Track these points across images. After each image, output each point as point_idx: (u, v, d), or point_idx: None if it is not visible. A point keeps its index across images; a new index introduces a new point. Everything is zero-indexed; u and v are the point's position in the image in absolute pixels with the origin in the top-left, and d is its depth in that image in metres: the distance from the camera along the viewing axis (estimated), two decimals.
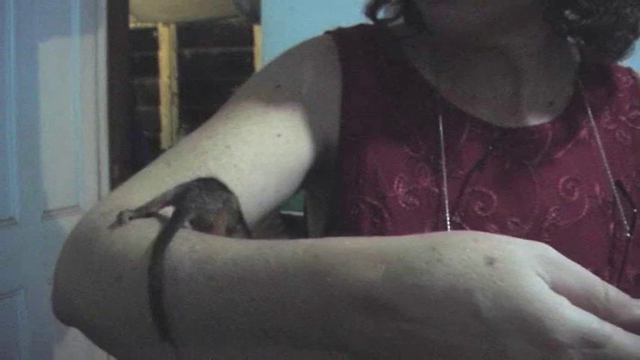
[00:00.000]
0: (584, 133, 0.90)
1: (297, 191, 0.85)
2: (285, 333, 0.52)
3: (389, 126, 0.86)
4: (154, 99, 5.98)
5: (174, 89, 5.98)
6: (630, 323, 0.46)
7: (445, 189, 0.83)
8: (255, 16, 3.05)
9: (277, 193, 0.81)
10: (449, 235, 0.50)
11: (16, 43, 2.89)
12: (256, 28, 5.12)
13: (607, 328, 0.45)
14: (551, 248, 0.48)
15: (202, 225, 0.64)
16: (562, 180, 0.87)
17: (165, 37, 5.97)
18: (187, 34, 5.92)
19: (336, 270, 0.50)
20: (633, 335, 0.45)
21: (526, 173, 0.87)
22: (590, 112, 0.92)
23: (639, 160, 0.92)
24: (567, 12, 0.83)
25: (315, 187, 0.89)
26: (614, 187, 0.88)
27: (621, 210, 0.87)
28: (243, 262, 0.55)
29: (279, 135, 0.81)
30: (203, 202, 0.64)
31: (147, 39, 5.91)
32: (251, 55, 5.41)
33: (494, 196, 0.85)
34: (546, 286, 0.45)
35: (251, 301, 0.53)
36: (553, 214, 0.85)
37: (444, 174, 0.84)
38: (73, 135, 3.29)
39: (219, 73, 5.65)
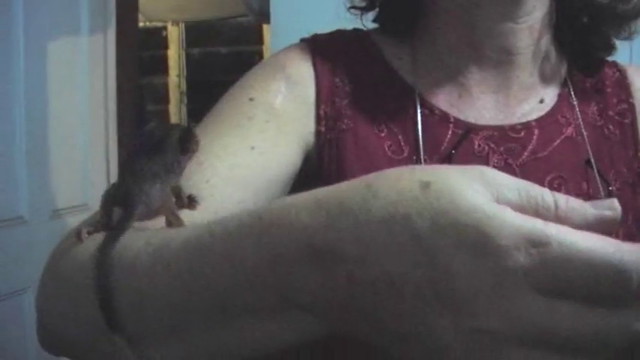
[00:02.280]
0: (570, 130, 0.90)
1: None
2: (242, 304, 0.52)
3: (370, 129, 0.86)
4: (162, 98, 5.98)
5: (183, 88, 5.98)
6: (584, 226, 0.44)
7: None
8: (264, 16, 3.04)
9: (256, 205, 0.81)
10: (384, 171, 0.48)
11: (25, 42, 2.89)
12: (265, 28, 5.12)
13: (551, 226, 0.42)
14: (490, 169, 0.46)
15: (150, 214, 0.66)
16: (548, 178, 0.87)
17: (174, 36, 5.97)
18: (196, 33, 5.92)
19: (278, 224, 0.49)
20: (580, 231, 0.42)
21: (511, 172, 0.86)
22: (577, 109, 0.91)
23: (629, 155, 0.91)
24: None
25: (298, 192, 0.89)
26: (599, 185, 0.87)
27: None
28: (194, 242, 0.54)
29: (252, 148, 0.81)
30: (142, 192, 0.64)
31: (155, 38, 5.90)
32: (260, 54, 5.42)
33: None
34: (485, 198, 0.43)
35: (206, 280, 0.52)
36: None
37: None
38: (81, 134, 3.29)
39: (227, 72, 5.65)
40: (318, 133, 0.87)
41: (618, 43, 0.94)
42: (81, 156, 3.29)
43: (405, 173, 0.46)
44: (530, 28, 0.87)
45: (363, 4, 0.96)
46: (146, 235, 0.60)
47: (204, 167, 0.78)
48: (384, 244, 0.44)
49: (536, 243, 0.41)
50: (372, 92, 0.89)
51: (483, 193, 0.43)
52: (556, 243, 0.41)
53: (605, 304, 0.41)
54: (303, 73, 0.89)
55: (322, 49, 0.91)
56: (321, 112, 0.87)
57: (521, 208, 0.43)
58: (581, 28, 0.91)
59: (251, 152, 0.81)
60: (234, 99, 0.87)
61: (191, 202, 0.72)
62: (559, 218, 0.44)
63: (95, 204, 2.96)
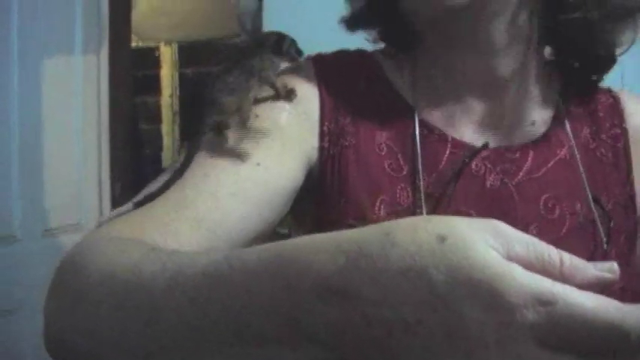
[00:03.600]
0: (564, 152, 0.91)
1: (281, 216, 0.86)
2: (256, 332, 0.53)
3: (371, 147, 0.88)
4: (155, 117, 5.98)
5: (176, 108, 5.99)
6: (585, 284, 0.47)
7: (424, 210, 0.84)
8: (257, 36, 3.06)
9: (258, 220, 0.82)
10: (401, 220, 0.51)
11: (19, 61, 2.91)
12: None
13: (558, 286, 0.45)
14: (502, 223, 0.49)
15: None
16: (543, 197, 0.88)
17: (167, 56, 5.98)
18: (189, 53, 5.93)
19: (298, 265, 0.52)
20: (585, 292, 0.46)
21: (507, 192, 0.88)
22: (570, 131, 0.93)
23: (621, 178, 0.93)
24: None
25: (299, 208, 0.90)
26: (592, 205, 0.89)
27: (600, 227, 0.88)
28: (212, 271, 0.56)
29: (258, 164, 0.83)
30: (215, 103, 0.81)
31: (149, 58, 5.91)
32: None
33: (475, 215, 0.86)
34: (498, 255, 0.46)
35: (222, 306, 0.54)
36: (534, 232, 0.86)
37: (422, 195, 0.85)
38: (74, 153, 3.30)
39: None
40: (321, 149, 0.88)
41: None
42: (74, 175, 3.29)
43: (421, 223, 0.49)
44: (514, 58, 0.89)
45: (358, 25, 0.98)
46: (162, 258, 0.62)
47: (210, 180, 0.80)
48: (401, 291, 0.47)
49: (544, 301, 0.44)
50: (374, 111, 0.90)
51: (496, 248, 0.47)
52: (562, 302, 0.45)
53: (605, 358, 0.45)
54: (307, 90, 0.90)
55: (326, 67, 0.92)
56: (325, 129, 0.88)
57: (529, 263, 0.47)
58: (572, 50, 0.93)
59: (256, 168, 0.82)
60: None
61: (288, 94, 0.87)
62: (563, 275, 0.47)
63: (88, 223, 2.96)
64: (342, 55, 0.96)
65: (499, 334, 0.45)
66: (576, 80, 0.98)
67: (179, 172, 0.76)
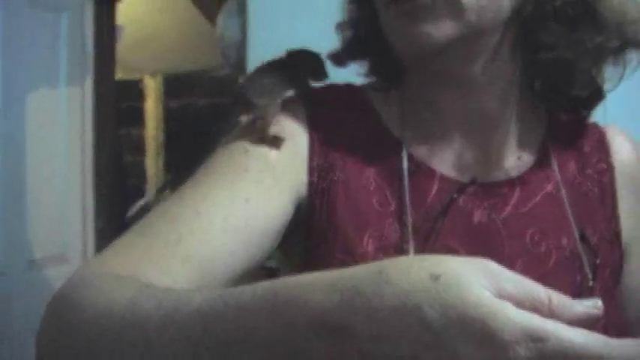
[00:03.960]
0: (550, 187, 0.92)
1: (270, 252, 0.86)
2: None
3: (358, 181, 0.88)
4: (140, 149, 5.98)
5: (161, 140, 5.99)
6: (574, 320, 0.49)
7: (411, 246, 0.84)
8: (241, 68, 3.07)
9: (247, 255, 0.83)
10: (395, 259, 0.53)
11: (3, 92, 2.92)
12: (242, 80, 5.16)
13: (549, 323, 0.47)
14: (492, 262, 0.50)
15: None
16: (529, 232, 0.89)
17: (152, 88, 5.99)
18: (174, 85, 5.94)
19: (293, 302, 0.53)
20: (574, 328, 0.48)
21: (494, 227, 0.88)
22: (556, 166, 0.94)
23: (607, 213, 0.94)
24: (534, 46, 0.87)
25: (288, 241, 0.90)
26: (577, 239, 0.89)
27: (585, 261, 0.89)
28: (207, 310, 0.58)
29: (247, 200, 0.83)
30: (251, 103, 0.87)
31: (133, 90, 5.92)
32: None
33: (462, 250, 0.87)
34: (489, 294, 0.48)
35: (218, 343, 0.56)
36: (521, 266, 0.87)
37: (410, 230, 0.85)
38: (58, 185, 3.29)
39: (205, 124, 5.67)
40: (310, 183, 0.88)
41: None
42: (58, 206, 3.28)
43: (415, 263, 0.51)
44: (498, 95, 0.90)
45: (346, 59, 0.98)
46: (157, 295, 0.63)
47: (202, 217, 0.80)
48: (397, 328, 0.48)
49: (536, 338, 0.47)
50: (363, 145, 0.91)
51: (487, 287, 0.48)
52: (554, 338, 0.47)
53: None
54: (296, 125, 0.90)
55: (316, 102, 0.92)
56: (314, 164, 0.88)
57: (519, 302, 0.49)
58: (553, 87, 0.94)
59: (245, 204, 0.83)
60: (231, 150, 0.89)
61: (275, 141, 0.88)
62: (552, 312, 0.49)
63: (72, 254, 2.95)
64: (331, 89, 0.96)
65: None
66: (560, 115, 0.98)
67: (171, 184, 0.78)
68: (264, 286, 0.57)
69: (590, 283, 0.88)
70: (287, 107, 0.91)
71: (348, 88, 0.97)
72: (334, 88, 0.96)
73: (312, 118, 0.91)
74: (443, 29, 0.82)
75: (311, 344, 0.51)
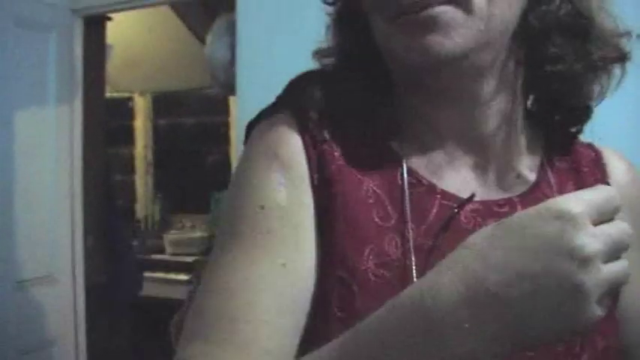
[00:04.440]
0: None
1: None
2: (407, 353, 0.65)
3: (357, 194, 0.86)
4: (129, 168, 5.97)
5: (150, 159, 5.98)
6: None
7: (413, 261, 0.84)
8: (229, 87, 3.07)
9: (298, 320, 0.82)
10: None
11: None
12: (231, 99, 5.15)
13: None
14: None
15: None
16: None
17: (141, 106, 5.99)
18: (163, 104, 5.95)
19: (426, 306, 0.65)
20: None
21: None
22: (555, 186, 0.94)
23: None
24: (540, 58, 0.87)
25: None
26: None
27: None
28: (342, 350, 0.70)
29: (284, 265, 0.82)
30: None
31: (123, 108, 5.92)
32: (226, 125, 5.43)
33: None
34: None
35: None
36: None
37: (411, 247, 0.84)
38: (47, 204, 3.28)
39: (194, 142, 5.67)
40: (315, 201, 0.86)
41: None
42: (46, 226, 3.27)
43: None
44: (499, 111, 0.89)
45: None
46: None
47: (254, 308, 0.80)
48: (519, 260, 0.63)
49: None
50: (360, 158, 0.89)
51: None
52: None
53: None
54: (293, 150, 0.87)
55: (307, 116, 0.90)
56: (315, 182, 0.87)
57: None
58: (554, 101, 0.94)
59: (283, 271, 0.82)
60: (244, 210, 0.86)
61: None
62: None
63: (61, 275, 2.94)
64: (325, 97, 0.94)
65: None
66: (557, 133, 0.98)
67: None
68: (379, 315, 0.69)
69: None
70: (281, 132, 0.89)
71: (343, 95, 0.95)
72: (329, 95, 0.94)
73: (306, 135, 0.89)
74: (455, 39, 0.81)
75: (453, 318, 0.63)
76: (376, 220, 0.85)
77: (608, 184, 0.96)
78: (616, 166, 0.99)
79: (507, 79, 0.89)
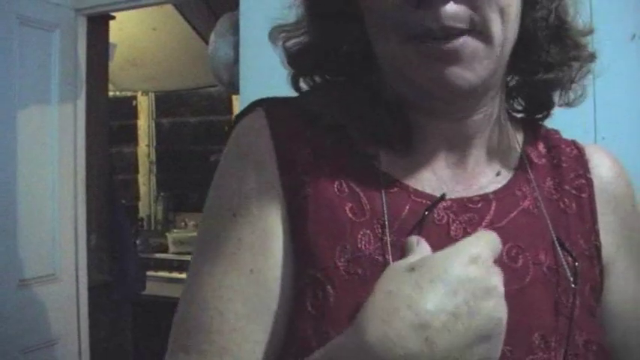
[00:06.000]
0: (527, 202, 0.92)
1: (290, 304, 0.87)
2: None
3: (330, 191, 0.86)
4: (132, 167, 5.99)
5: (153, 158, 5.99)
6: None
7: (390, 257, 0.84)
8: (232, 86, 3.07)
9: (281, 312, 0.83)
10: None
11: None
12: (234, 98, 5.16)
13: None
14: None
15: None
16: (506, 246, 0.88)
17: (144, 106, 6.01)
18: (166, 103, 5.96)
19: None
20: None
21: None
22: (534, 182, 0.94)
23: (585, 228, 0.94)
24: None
25: None
26: (559, 249, 0.89)
27: (567, 272, 0.88)
28: None
29: (252, 271, 0.83)
30: None
31: (126, 107, 5.93)
32: (229, 124, 5.43)
33: None
34: None
35: None
36: None
37: (389, 243, 0.84)
38: (50, 203, 3.29)
39: (197, 142, 5.68)
40: (286, 205, 0.87)
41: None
42: (49, 225, 3.28)
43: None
44: (484, 115, 0.90)
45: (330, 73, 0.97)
46: None
47: (225, 316, 0.82)
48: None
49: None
50: (333, 157, 0.89)
51: None
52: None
53: None
54: (264, 150, 0.87)
55: (279, 117, 0.90)
56: (285, 185, 0.87)
57: None
58: (536, 103, 0.95)
59: (251, 277, 0.82)
60: (218, 218, 0.88)
61: None
62: None
63: (64, 273, 2.94)
64: (294, 102, 0.94)
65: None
66: (537, 132, 1.00)
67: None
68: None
69: (570, 298, 0.88)
70: (252, 133, 0.89)
71: (312, 100, 0.95)
72: (298, 101, 0.95)
73: (276, 136, 0.89)
74: (478, 70, 0.81)
75: None
76: (349, 214, 0.85)
77: (589, 179, 0.97)
78: (599, 162, 1.00)
79: (500, 88, 0.90)
